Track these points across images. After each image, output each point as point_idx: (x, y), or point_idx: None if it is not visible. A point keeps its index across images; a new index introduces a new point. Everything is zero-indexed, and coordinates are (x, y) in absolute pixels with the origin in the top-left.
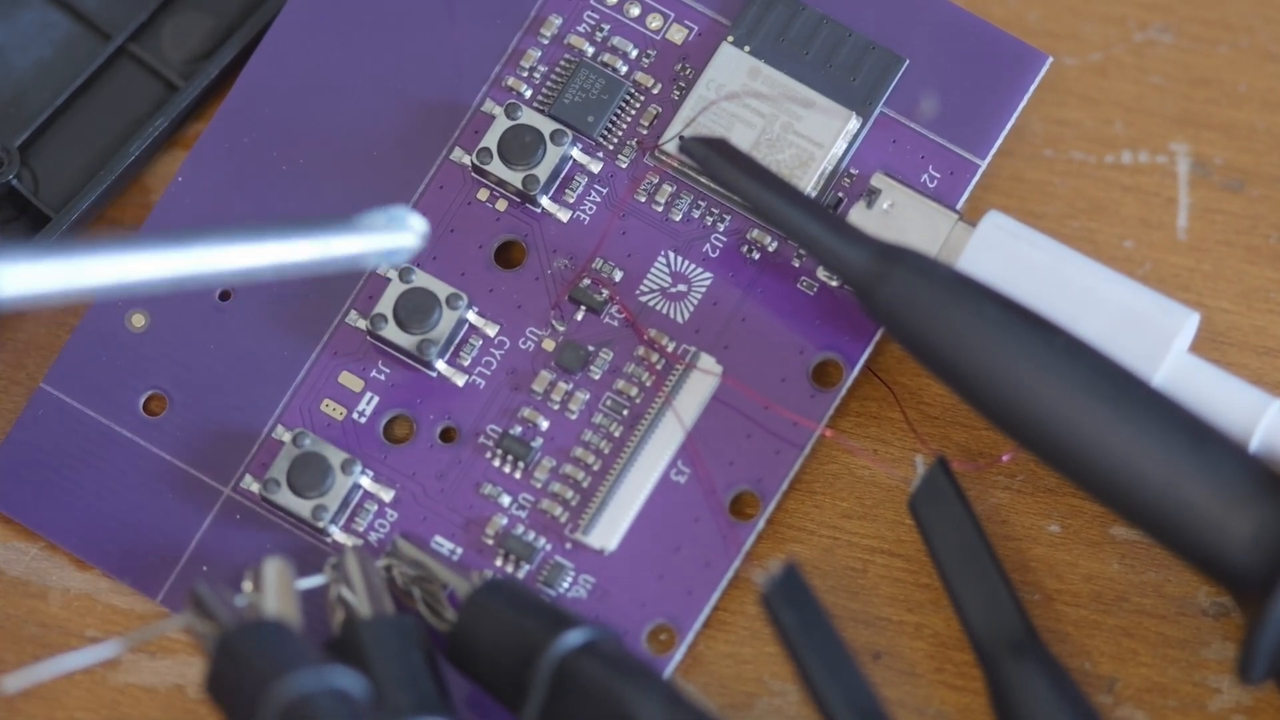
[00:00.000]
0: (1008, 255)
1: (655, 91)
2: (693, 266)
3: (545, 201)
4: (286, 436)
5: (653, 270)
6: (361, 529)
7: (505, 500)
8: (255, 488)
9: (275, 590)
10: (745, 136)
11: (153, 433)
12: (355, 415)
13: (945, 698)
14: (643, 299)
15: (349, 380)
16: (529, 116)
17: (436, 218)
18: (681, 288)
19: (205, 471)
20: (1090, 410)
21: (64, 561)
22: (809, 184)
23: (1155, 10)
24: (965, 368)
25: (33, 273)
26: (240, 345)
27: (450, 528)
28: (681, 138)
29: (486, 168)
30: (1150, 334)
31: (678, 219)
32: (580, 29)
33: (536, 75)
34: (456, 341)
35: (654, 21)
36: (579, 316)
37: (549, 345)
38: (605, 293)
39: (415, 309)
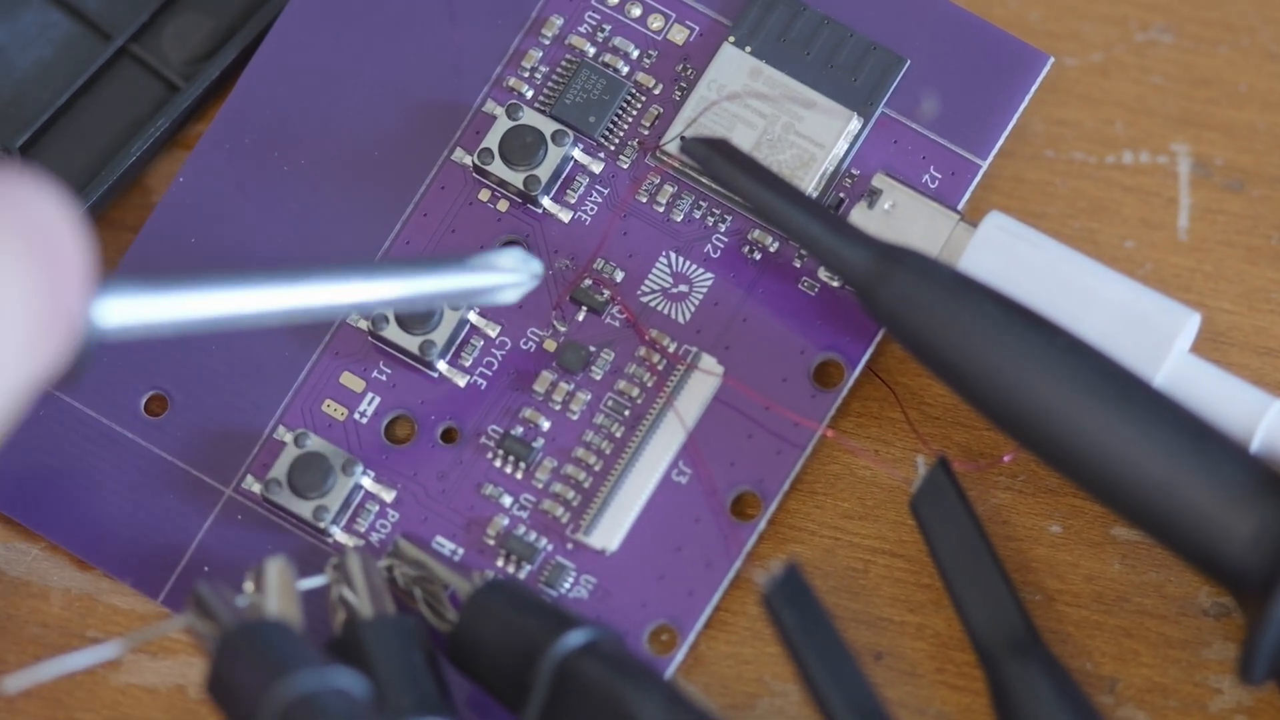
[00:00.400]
0: (1009, 256)
1: (656, 92)
2: (694, 267)
3: (546, 202)
4: (288, 437)
5: (654, 271)
6: (363, 529)
7: (506, 501)
8: (257, 488)
9: (276, 590)
10: (746, 137)
11: (154, 433)
12: (357, 416)
13: (946, 698)
14: (644, 299)
15: (350, 381)
16: (530, 117)
17: (437, 218)
18: (683, 288)
19: (206, 472)
20: (1091, 411)
21: (65, 562)
22: (810, 184)
23: (1156, 10)
24: (966, 368)
25: (140, 306)
26: (241, 345)
27: (451, 528)
28: (683, 138)
29: (488, 168)
30: (1151, 334)
31: (679, 219)
32: (581, 29)
33: (538, 76)
34: (458, 342)
35: (655, 22)
36: (580, 317)
37: (550, 346)
38: (607, 293)
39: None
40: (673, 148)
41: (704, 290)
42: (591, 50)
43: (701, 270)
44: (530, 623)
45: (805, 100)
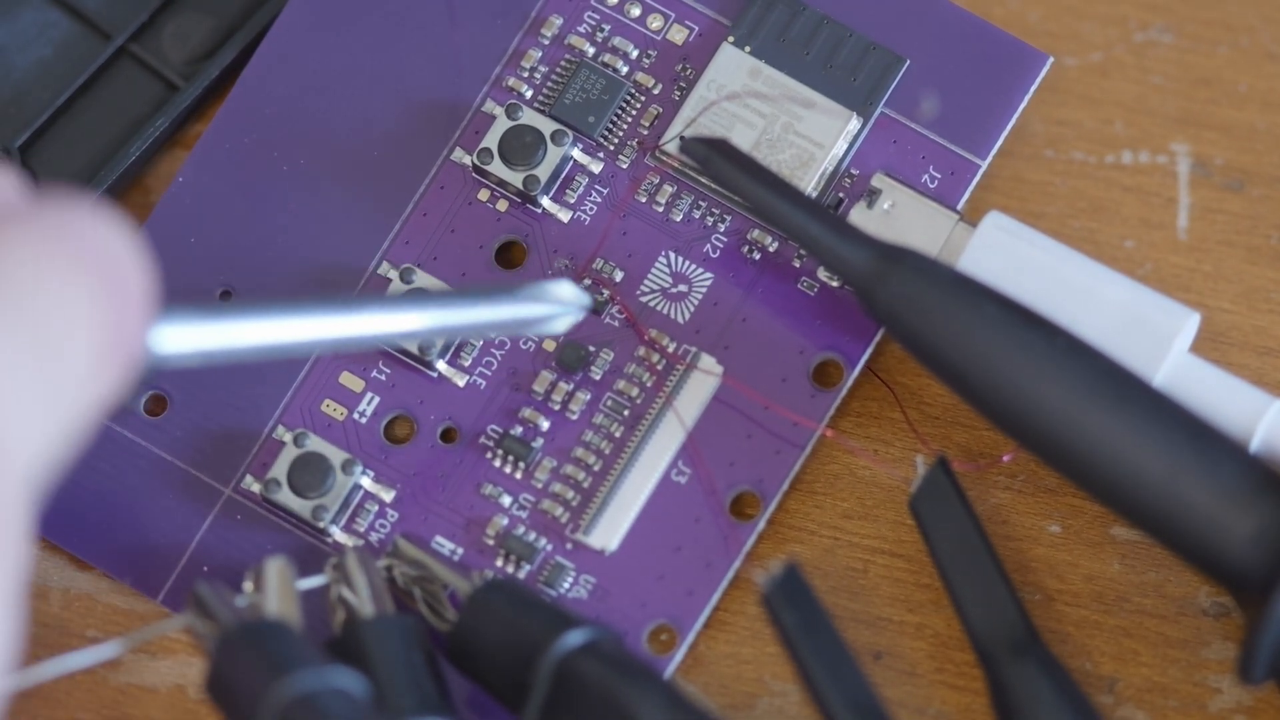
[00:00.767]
0: (1008, 255)
1: (656, 92)
2: (693, 267)
3: (546, 202)
4: (287, 437)
5: (653, 270)
6: (362, 529)
7: (506, 500)
8: (256, 488)
9: (276, 590)
10: (746, 137)
11: (153, 433)
12: (356, 415)
13: (946, 698)
14: (643, 299)
15: (350, 380)
16: (530, 117)
17: (437, 218)
18: (682, 288)
19: (206, 472)
20: (1091, 410)
21: (64, 561)
22: (810, 184)
23: (1156, 10)
24: (966, 368)
25: (196, 334)
26: None
27: (451, 528)
28: (682, 138)
29: (487, 168)
30: (1151, 334)
31: (678, 219)
32: (581, 29)
33: (537, 75)
34: (457, 342)
35: (654, 22)
36: None
37: (550, 345)
38: (606, 293)
39: None
40: (672, 147)
41: (703, 290)
42: (591, 50)
43: (701, 270)
44: (530, 622)
45: (805, 100)
